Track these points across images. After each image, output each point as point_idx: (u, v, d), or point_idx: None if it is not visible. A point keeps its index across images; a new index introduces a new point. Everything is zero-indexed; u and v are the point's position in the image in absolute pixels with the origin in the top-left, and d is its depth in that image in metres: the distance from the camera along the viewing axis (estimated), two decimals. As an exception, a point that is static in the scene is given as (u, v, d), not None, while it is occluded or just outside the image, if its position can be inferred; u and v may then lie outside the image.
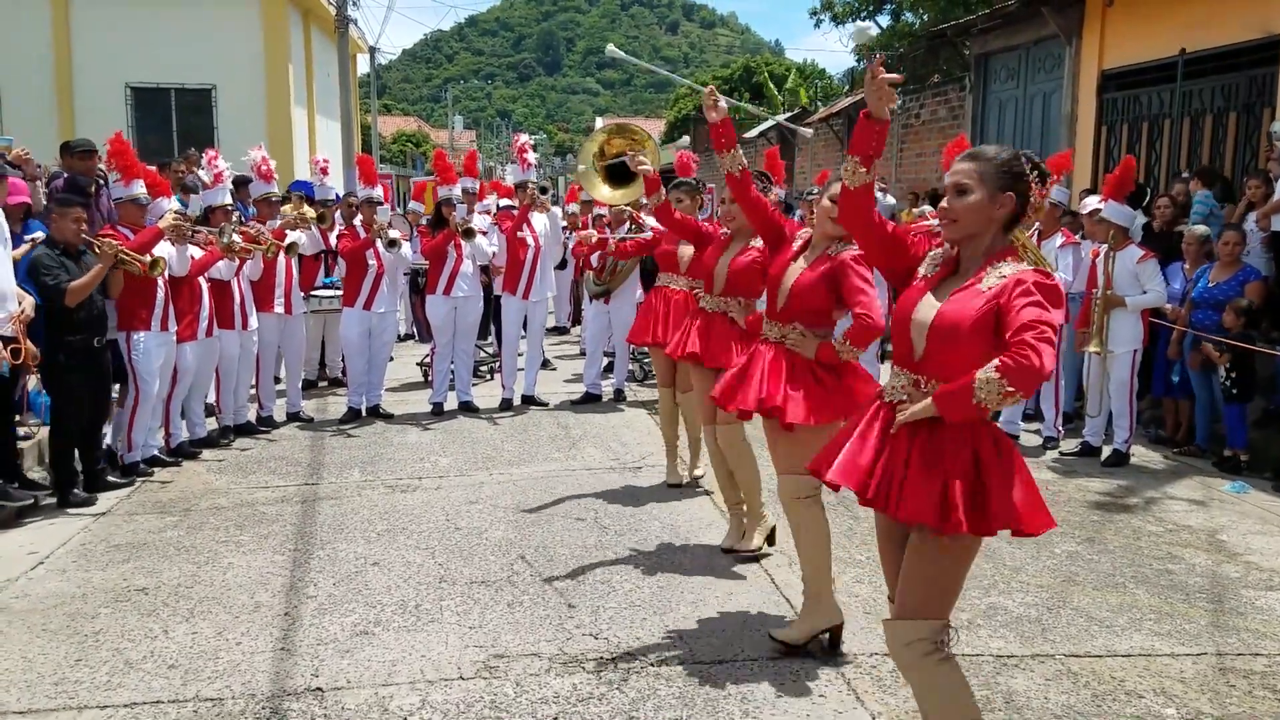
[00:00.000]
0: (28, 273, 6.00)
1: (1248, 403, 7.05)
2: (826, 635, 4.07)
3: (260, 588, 4.78)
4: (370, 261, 8.31)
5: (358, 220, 8.54)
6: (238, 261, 7.41)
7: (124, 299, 6.49)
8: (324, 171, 9.82)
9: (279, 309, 8.14)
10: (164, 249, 6.63)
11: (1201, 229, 7.73)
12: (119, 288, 6.45)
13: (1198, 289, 7.33)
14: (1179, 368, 7.49)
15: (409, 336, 12.71)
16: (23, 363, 5.63)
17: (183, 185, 9.47)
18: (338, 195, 10.52)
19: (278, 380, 8.83)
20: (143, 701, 3.69)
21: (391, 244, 8.27)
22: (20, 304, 5.71)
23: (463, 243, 8.38)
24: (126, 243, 6.36)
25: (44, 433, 6.53)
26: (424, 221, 10.15)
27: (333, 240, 9.33)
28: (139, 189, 6.73)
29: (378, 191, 8.70)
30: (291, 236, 8.13)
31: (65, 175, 8.05)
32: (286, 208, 8.71)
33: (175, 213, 6.76)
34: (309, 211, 8.73)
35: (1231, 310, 6.93)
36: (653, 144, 7.16)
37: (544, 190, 9.54)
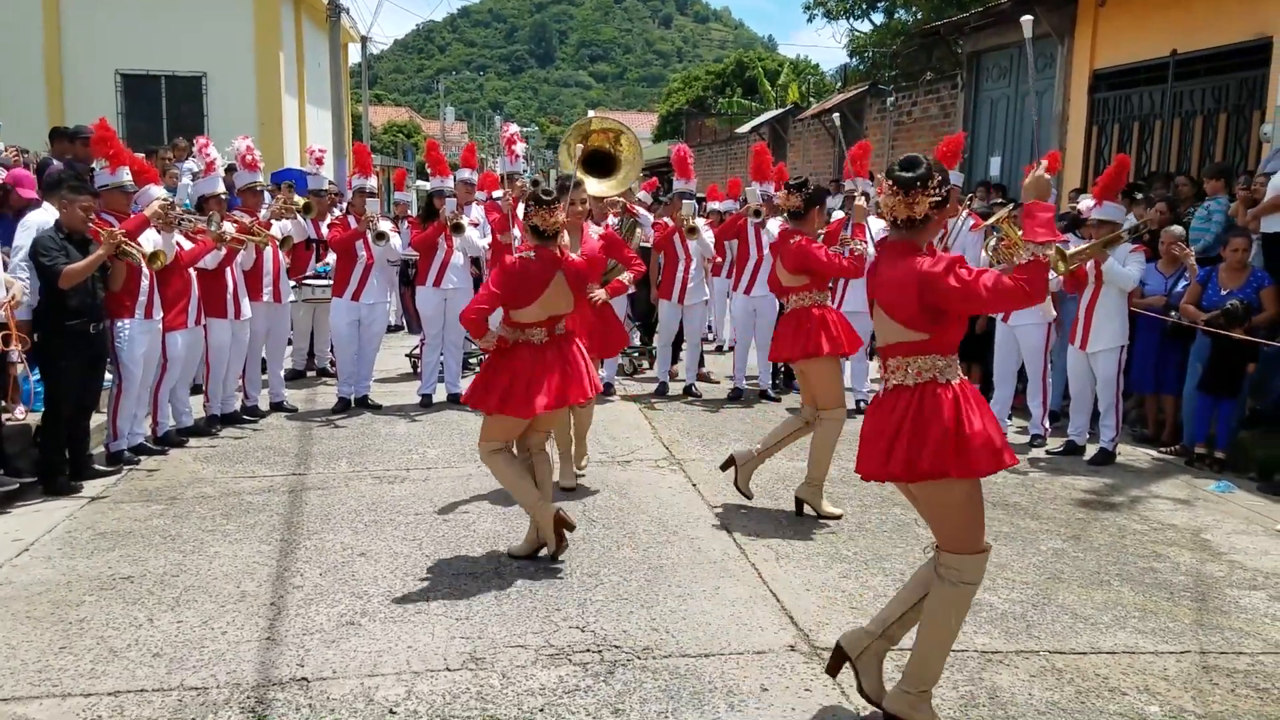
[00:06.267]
0: (31, 254, 5.98)
1: (1229, 400, 7.08)
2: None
3: (246, 577, 4.77)
4: (360, 252, 8.28)
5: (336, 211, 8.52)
6: (225, 251, 7.36)
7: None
8: (319, 162, 9.80)
9: (267, 298, 8.10)
10: (150, 237, 6.59)
11: (1177, 229, 7.72)
12: (120, 280, 6.39)
13: (1209, 294, 7.23)
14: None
15: (398, 328, 12.70)
16: (10, 348, 5.59)
17: (167, 171, 9.43)
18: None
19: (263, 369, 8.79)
20: (127, 690, 3.68)
21: (380, 236, 8.24)
22: (9, 290, 5.69)
23: (453, 237, 8.36)
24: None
25: (33, 419, 6.48)
26: (411, 213, 10.10)
27: (324, 230, 9.30)
28: (125, 176, 6.69)
29: (372, 182, 8.66)
30: (278, 229, 8.08)
31: (55, 160, 8.00)
32: (278, 197, 8.67)
33: (162, 200, 6.73)
34: (297, 200, 8.70)
35: (1224, 314, 6.94)
36: (631, 136, 6.98)
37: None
